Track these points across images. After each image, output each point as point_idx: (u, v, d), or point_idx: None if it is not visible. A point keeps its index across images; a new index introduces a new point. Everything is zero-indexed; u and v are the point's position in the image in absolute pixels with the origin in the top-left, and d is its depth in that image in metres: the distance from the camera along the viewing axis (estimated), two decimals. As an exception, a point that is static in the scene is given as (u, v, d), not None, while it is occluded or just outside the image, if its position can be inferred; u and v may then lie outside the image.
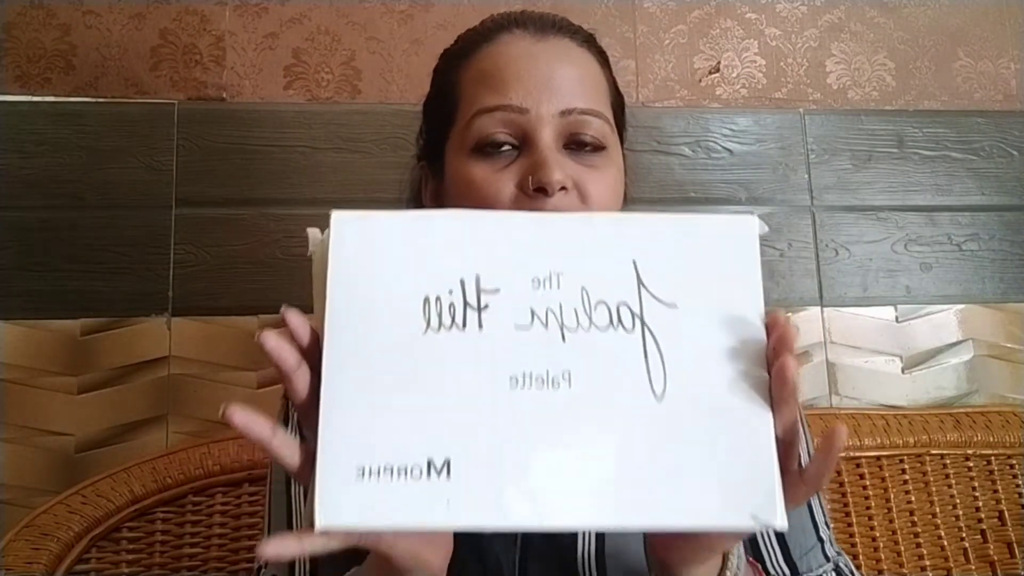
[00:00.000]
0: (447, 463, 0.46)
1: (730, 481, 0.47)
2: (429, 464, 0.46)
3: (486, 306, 0.49)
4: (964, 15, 1.33)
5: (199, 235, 1.14)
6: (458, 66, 0.71)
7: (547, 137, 0.65)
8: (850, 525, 1.09)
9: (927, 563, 1.10)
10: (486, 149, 0.66)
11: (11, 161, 1.12)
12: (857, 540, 1.09)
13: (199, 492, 1.01)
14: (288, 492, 0.71)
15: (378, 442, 0.47)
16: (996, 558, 1.11)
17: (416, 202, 0.79)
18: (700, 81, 1.27)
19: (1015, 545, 1.11)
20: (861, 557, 1.08)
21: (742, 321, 0.50)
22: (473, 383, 0.48)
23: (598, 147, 0.67)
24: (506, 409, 0.48)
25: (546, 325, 0.49)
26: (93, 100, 1.16)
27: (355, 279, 0.49)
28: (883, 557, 1.09)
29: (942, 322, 1.25)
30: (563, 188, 0.64)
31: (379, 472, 0.46)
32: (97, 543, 0.96)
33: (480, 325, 0.49)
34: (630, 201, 0.78)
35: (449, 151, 0.70)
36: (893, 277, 1.25)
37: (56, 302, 1.10)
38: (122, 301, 1.11)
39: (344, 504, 0.46)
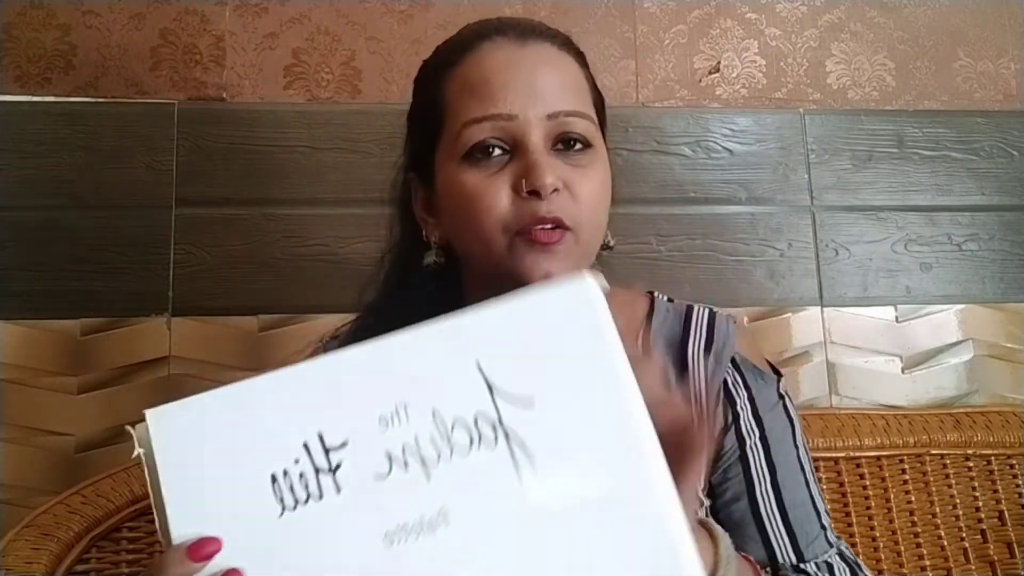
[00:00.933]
0: None
1: (640, 567, 0.43)
2: None
3: (338, 465, 0.45)
4: (964, 15, 1.33)
5: (199, 235, 1.14)
6: (443, 77, 0.73)
7: (536, 140, 0.67)
8: (850, 525, 1.09)
9: (927, 563, 1.10)
10: (477, 156, 0.68)
11: (11, 161, 1.12)
12: (857, 540, 1.09)
13: (199, 492, 1.01)
14: None
15: None
16: (996, 558, 1.11)
17: (406, 211, 0.80)
18: (700, 81, 1.27)
19: (1015, 545, 1.11)
20: (861, 557, 1.08)
21: (606, 394, 0.45)
22: (348, 555, 0.44)
23: (586, 146, 0.70)
24: (389, 571, 0.44)
25: (406, 467, 0.45)
26: (93, 100, 1.16)
27: (190, 475, 0.46)
28: (883, 557, 1.09)
29: (942, 322, 1.25)
30: (555, 190, 0.66)
31: None
32: (97, 543, 0.96)
33: (337, 488, 0.45)
34: (625, 200, 0.78)
35: (439, 161, 0.72)
36: (893, 277, 1.25)
37: (56, 302, 1.10)
38: (122, 301, 1.11)
39: None
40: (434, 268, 0.74)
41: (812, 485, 0.74)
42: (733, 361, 0.76)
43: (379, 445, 0.45)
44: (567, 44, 0.74)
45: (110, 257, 1.12)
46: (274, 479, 0.45)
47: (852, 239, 1.25)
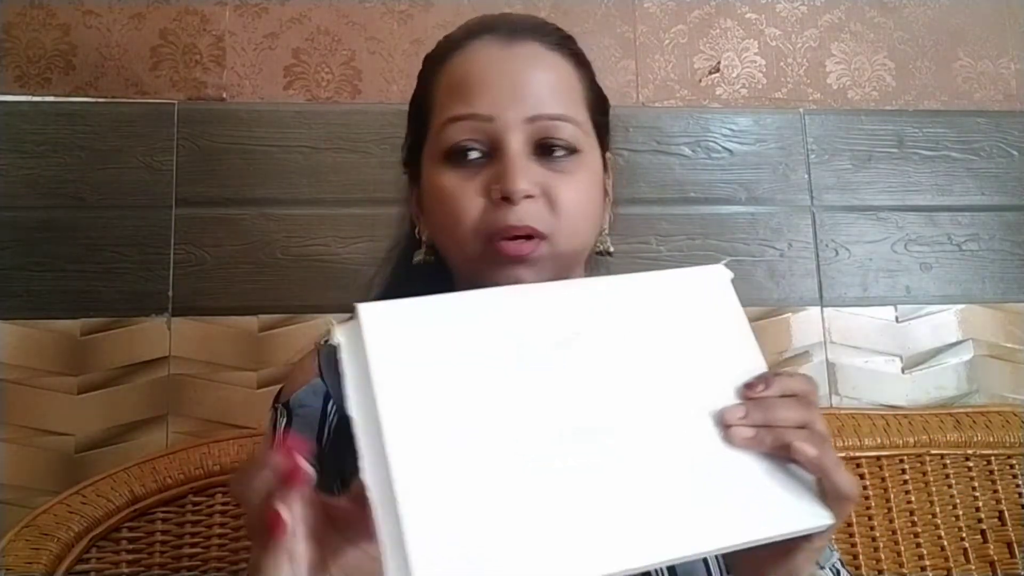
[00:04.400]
0: (519, 525, 0.47)
1: (774, 491, 0.51)
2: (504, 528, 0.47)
3: (521, 371, 0.51)
4: (964, 15, 1.33)
5: (199, 235, 1.14)
6: (433, 73, 0.72)
7: (515, 144, 0.65)
8: (850, 525, 1.09)
9: (927, 563, 1.10)
10: (456, 157, 0.67)
11: (11, 161, 1.12)
12: (857, 540, 1.09)
13: (199, 492, 1.00)
14: None
15: (464, 530, 0.46)
16: (996, 558, 1.11)
17: (406, 206, 0.80)
18: (700, 81, 1.27)
19: (1015, 545, 1.11)
20: (861, 557, 1.08)
21: (742, 355, 0.56)
22: (522, 444, 0.49)
23: (571, 151, 0.67)
24: (560, 463, 0.49)
25: (576, 381, 0.52)
26: (93, 100, 1.15)
27: (395, 367, 0.49)
28: (883, 557, 1.09)
29: (942, 322, 1.25)
30: (529, 196, 0.64)
31: (469, 557, 0.45)
32: (97, 543, 0.96)
33: (518, 390, 0.51)
34: (621, 202, 0.78)
35: (424, 159, 0.71)
36: (893, 277, 1.25)
37: (56, 302, 1.10)
38: (122, 301, 1.11)
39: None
40: (423, 266, 0.73)
41: None
42: None
43: (555, 360, 0.53)
44: (561, 44, 0.72)
45: (110, 257, 1.12)
46: (463, 375, 0.50)
47: (852, 239, 1.25)
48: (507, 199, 0.64)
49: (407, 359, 0.50)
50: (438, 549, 0.44)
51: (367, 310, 0.50)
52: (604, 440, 0.50)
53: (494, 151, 0.66)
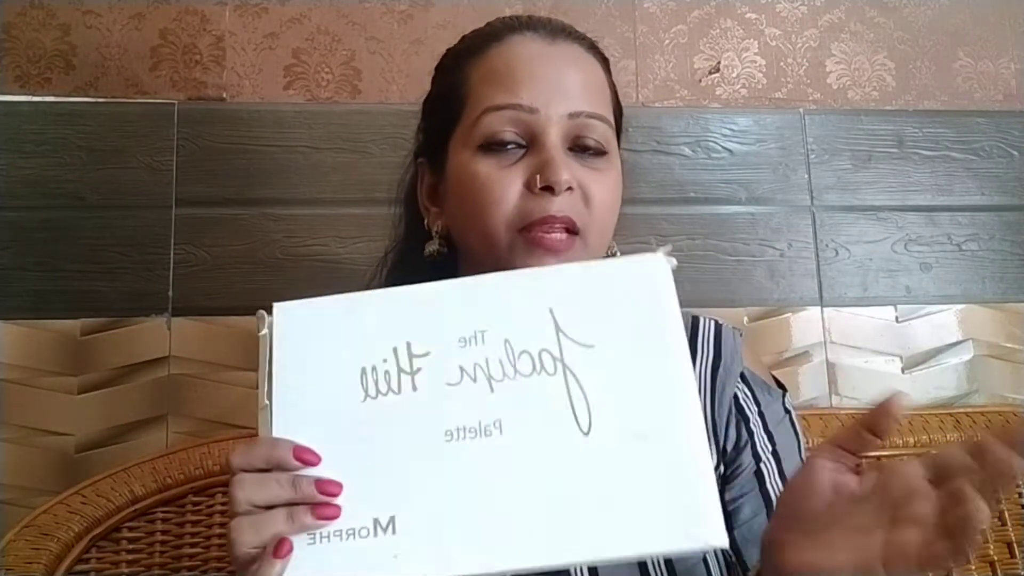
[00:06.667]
0: (392, 521, 0.50)
1: (664, 505, 0.49)
2: (375, 523, 0.50)
3: (418, 369, 0.53)
4: (964, 15, 1.33)
5: (199, 235, 1.14)
6: (467, 64, 0.72)
7: (555, 138, 0.66)
8: (850, 525, 1.09)
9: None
10: (493, 147, 0.67)
11: (11, 161, 1.12)
12: (857, 540, 1.09)
13: (199, 492, 1.00)
14: None
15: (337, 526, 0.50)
16: (996, 558, 1.11)
17: (410, 201, 0.79)
18: (700, 81, 1.27)
19: (1015, 545, 1.11)
20: (861, 557, 1.08)
21: (661, 351, 0.53)
22: (411, 441, 0.52)
23: (601, 151, 0.69)
24: (443, 462, 0.51)
25: (474, 379, 0.53)
26: (93, 100, 1.15)
27: (298, 360, 0.55)
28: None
29: (942, 322, 1.25)
30: (569, 188, 0.65)
31: (329, 537, 0.50)
32: (97, 543, 0.96)
33: (414, 387, 0.53)
34: (625, 200, 0.78)
35: (453, 148, 0.71)
36: (893, 277, 1.25)
37: (56, 302, 1.10)
38: (122, 301, 1.11)
39: (300, 566, 0.49)
40: (435, 258, 0.73)
41: None
42: (742, 376, 0.75)
43: (455, 359, 0.53)
44: (594, 48, 0.74)
45: (110, 257, 1.12)
46: (363, 372, 0.53)
47: (852, 239, 1.25)
48: (549, 189, 0.64)
49: (310, 357, 0.54)
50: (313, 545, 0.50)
51: (280, 308, 0.56)
52: (489, 439, 0.51)
53: (532, 143, 0.67)
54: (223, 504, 1.01)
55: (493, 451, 0.51)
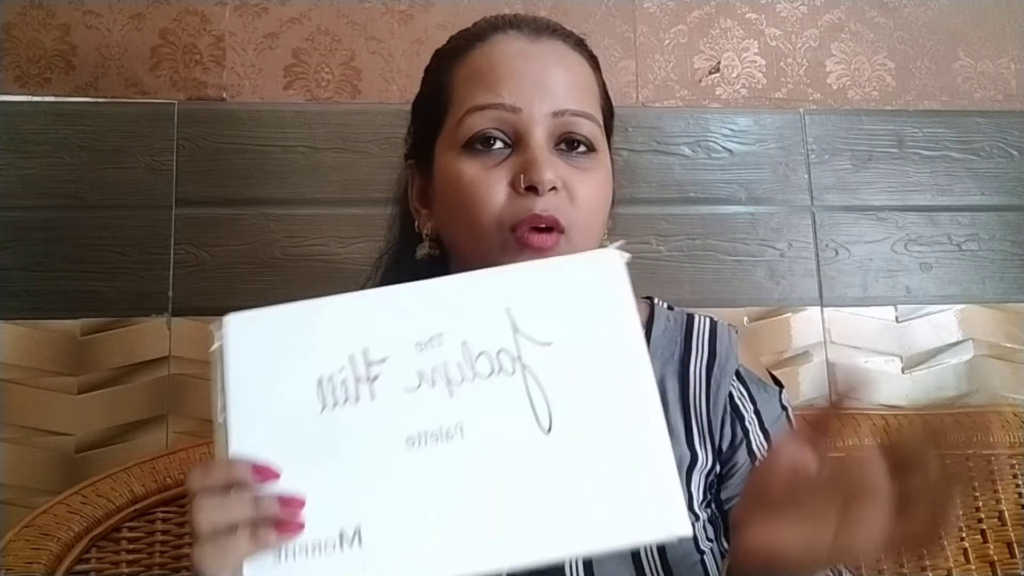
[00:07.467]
0: (357, 532, 0.49)
1: (627, 498, 0.49)
2: (341, 536, 0.49)
3: (376, 376, 0.52)
4: (964, 15, 1.33)
5: (199, 235, 1.14)
6: (451, 65, 0.72)
7: (539, 137, 0.66)
8: (850, 525, 1.09)
9: (927, 563, 1.10)
10: (477, 146, 0.67)
11: (11, 161, 1.12)
12: (857, 540, 1.09)
13: (199, 492, 1.00)
14: None
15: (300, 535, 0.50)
16: (996, 558, 1.11)
17: (403, 202, 0.79)
18: (700, 81, 1.27)
19: (1015, 545, 1.11)
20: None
21: (617, 345, 0.53)
22: (372, 450, 0.51)
23: (587, 149, 0.68)
24: (406, 469, 0.50)
25: (433, 384, 0.52)
26: (93, 100, 1.16)
27: (253, 373, 0.53)
28: (883, 557, 1.09)
29: (942, 322, 1.25)
30: (553, 188, 0.65)
31: (295, 553, 0.49)
32: (97, 543, 0.96)
33: (372, 395, 0.52)
34: (622, 203, 0.78)
35: (439, 149, 0.71)
36: (893, 277, 1.25)
37: (56, 302, 1.10)
38: (122, 301, 1.11)
39: None
40: (427, 261, 0.73)
41: None
42: (737, 374, 0.75)
43: (413, 364, 0.53)
44: (580, 45, 0.73)
45: (110, 257, 1.12)
46: (320, 382, 0.53)
47: (852, 239, 1.25)
48: (533, 189, 0.64)
49: (264, 369, 0.53)
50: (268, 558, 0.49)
51: (230, 321, 0.55)
52: (451, 443, 0.51)
53: (517, 142, 0.67)
54: (223, 504, 1.01)
55: (456, 455, 0.50)
